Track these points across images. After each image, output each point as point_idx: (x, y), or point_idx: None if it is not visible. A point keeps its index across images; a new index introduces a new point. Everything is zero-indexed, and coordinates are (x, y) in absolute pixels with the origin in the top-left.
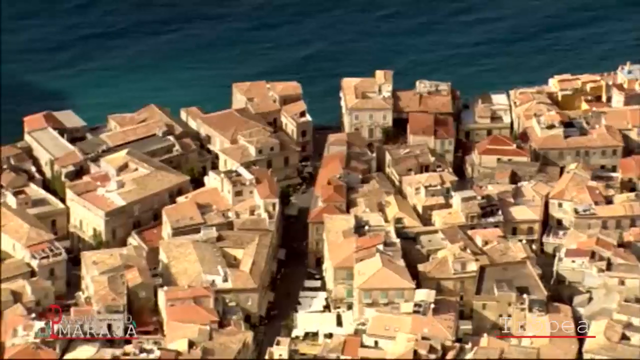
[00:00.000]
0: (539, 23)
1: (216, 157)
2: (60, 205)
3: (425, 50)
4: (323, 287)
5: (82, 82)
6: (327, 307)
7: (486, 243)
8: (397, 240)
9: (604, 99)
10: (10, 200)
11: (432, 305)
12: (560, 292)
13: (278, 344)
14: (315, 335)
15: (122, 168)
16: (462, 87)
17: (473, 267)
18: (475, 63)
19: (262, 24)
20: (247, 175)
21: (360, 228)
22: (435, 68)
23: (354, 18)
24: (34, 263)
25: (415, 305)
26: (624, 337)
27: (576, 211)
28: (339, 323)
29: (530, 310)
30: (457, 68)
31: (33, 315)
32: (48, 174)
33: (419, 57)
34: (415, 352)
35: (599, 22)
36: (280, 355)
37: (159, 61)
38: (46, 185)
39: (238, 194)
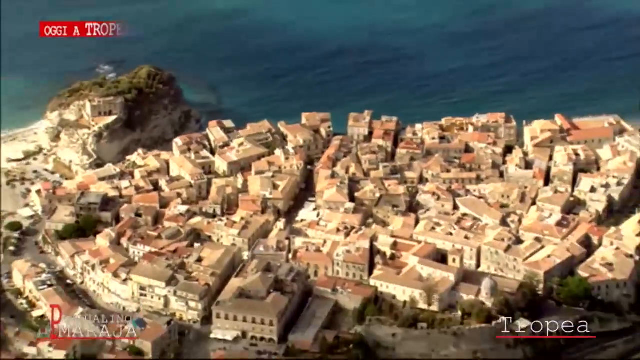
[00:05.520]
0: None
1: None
2: (212, 159)
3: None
4: (315, 201)
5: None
6: (315, 209)
7: (389, 185)
8: (347, 182)
9: (465, 129)
10: (191, 156)
11: (352, 209)
12: (416, 209)
13: (280, 220)
14: (305, 220)
15: (240, 144)
16: (405, 119)
17: (377, 195)
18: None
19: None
20: (292, 150)
21: (333, 176)
22: (397, 109)
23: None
24: (192, 182)
25: (345, 209)
26: (433, 229)
27: (432, 175)
28: (318, 215)
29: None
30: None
31: (180, 201)
32: (213, 145)
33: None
34: (337, 228)
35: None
36: (279, 226)
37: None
38: (211, 150)
39: (287, 158)
